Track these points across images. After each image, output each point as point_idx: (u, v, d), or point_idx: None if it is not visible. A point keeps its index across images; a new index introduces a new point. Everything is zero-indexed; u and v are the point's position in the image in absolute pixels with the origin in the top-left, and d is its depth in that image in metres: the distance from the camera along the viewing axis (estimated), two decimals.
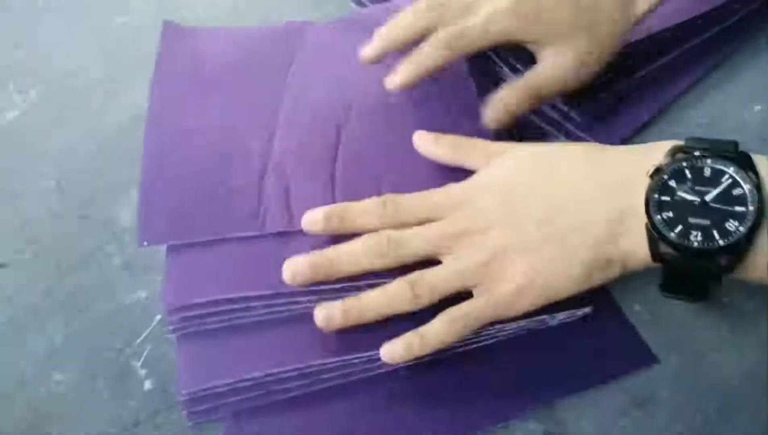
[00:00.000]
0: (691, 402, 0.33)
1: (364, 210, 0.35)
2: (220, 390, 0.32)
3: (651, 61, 0.47)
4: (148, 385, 0.34)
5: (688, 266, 0.30)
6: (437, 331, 0.32)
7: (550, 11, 0.38)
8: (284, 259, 0.34)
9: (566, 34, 0.39)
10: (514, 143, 0.39)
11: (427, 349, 0.32)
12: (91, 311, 0.37)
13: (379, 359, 0.33)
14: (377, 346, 0.32)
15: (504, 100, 0.40)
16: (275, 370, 0.32)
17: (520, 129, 0.44)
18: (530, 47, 0.41)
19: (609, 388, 0.34)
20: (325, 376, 0.32)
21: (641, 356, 0.34)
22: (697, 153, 0.31)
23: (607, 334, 0.35)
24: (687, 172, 0.31)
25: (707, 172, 0.31)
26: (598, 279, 0.33)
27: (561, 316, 0.34)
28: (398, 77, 0.39)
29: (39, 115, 0.48)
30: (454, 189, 0.36)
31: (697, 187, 0.31)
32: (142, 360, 0.35)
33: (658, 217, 0.30)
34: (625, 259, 0.32)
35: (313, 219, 0.35)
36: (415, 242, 0.34)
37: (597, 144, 0.36)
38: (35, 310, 0.37)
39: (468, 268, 0.33)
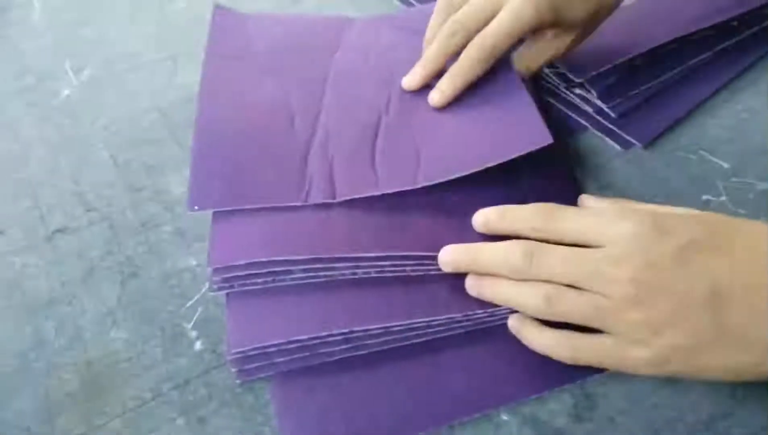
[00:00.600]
0: (717, 383, 0.34)
1: (520, 216, 0.35)
2: (267, 350, 0.34)
3: (680, 64, 0.49)
4: (198, 345, 0.36)
5: None
6: (551, 347, 0.33)
7: (568, 4, 0.41)
8: (324, 228, 0.37)
9: (576, 18, 0.42)
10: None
11: (530, 345, 0.34)
12: (145, 276, 0.39)
13: (418, 328, 0.34)
14: (417, 315, 0.34)
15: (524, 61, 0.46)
16: (321, 333, 0.34)
17: (556, 123, 0.46)
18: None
19: None
20: (368, 341, 0.34)
21: None
22: None
23: None
24: None
25: None
26: (734, 380, 0.32)
27: None
28: (443, 95, 0.42)
29: (93, 93, 0.50)
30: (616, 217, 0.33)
31: None
32: (192, 322, 0.37)
33: None
34: None
35: (476, 220, 0.37)
36: (559, 269, 0.32)
37: None
38: (92, 272, 0.39)
39: (611, 317, 0.31)
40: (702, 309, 0.30)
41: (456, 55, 0.42)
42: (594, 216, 0.33)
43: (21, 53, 0.54)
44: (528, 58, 0.46)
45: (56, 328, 0.37)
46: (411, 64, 0.44)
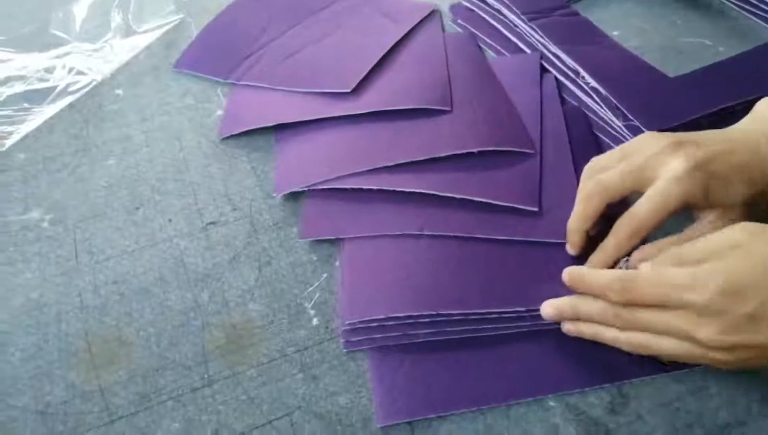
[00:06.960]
0: (736, 396, 0.42)
1: (599, 284, 0.40)
2: (369, 325, 0.44)
3: None
4: (315, 321, 0.47)
5: None
6: (618, 339, 0.41)
7: (723, 185, 0.41)
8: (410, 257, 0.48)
9: (734, 201, 0.42)
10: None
11: (593, 337, 0.42)
12: (277, 263, 0.50)
13: (489, 319, 0.44)
14: (490, 307, 0.44)
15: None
16: (412, 314, 0.44)
17: None
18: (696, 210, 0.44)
19: (667, 378, 0.43)
20: (448, 328, 0.44)
21: None
22: None
23: None
24: None
25: None
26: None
27: None
28: (593, 265, 0.45)
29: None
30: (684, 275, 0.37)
31: None
32: (311, 303, 0.48)
33: None
34: None
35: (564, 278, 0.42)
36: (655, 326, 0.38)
37: None
38: (236, 258, 0.51)
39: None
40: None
41: (595, 216, 0.45)
42: (668, 283, 0.37)
43: (185, 76, 0.67)
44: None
45: (209, 296, 0.48)
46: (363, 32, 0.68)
